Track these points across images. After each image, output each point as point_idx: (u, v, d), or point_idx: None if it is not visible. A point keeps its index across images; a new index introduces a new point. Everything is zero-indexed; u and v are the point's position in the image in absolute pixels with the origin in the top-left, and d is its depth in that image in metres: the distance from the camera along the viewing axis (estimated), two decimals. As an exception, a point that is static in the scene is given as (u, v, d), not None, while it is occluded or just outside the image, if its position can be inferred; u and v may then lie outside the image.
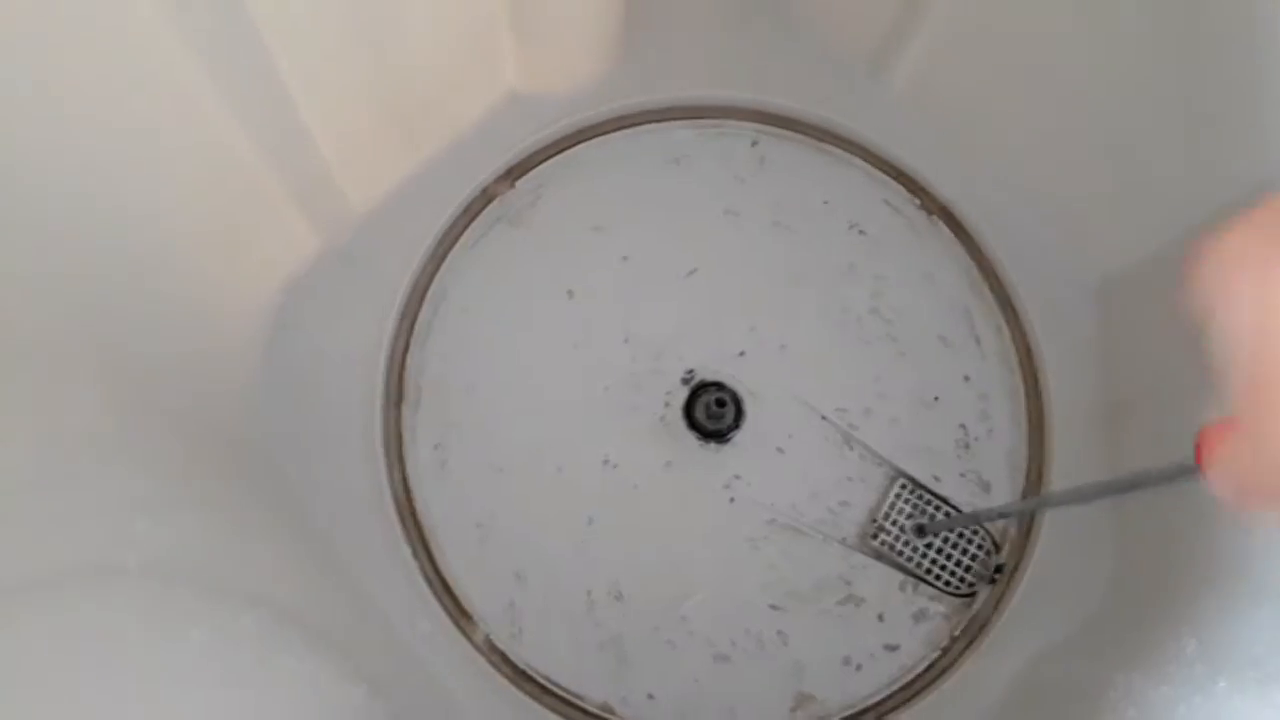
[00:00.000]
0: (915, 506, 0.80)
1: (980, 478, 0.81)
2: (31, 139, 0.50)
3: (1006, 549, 0.80)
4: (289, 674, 0.50)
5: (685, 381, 0.80)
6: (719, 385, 0.80)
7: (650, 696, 0.76)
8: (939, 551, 0.79)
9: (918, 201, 0.85)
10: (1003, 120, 0.80)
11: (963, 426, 0.81)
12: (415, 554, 0.75)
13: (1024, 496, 0.82)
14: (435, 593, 0.74)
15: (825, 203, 0.84)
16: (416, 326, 0.78)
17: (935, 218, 0.84)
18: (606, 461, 0.78)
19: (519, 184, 0.82)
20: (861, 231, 0.84)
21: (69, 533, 0.52)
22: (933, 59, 0.81)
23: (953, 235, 0.84)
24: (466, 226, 0.80)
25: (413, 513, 0.75)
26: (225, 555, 0.58)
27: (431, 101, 0.74)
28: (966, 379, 0.82)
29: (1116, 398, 0.80)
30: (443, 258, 0.80)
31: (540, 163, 0.82)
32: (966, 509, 0.80)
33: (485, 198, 0.81)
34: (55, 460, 0.55)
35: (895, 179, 0.85)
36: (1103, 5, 0.65)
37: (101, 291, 0.59)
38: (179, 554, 0.57)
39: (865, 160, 0.85)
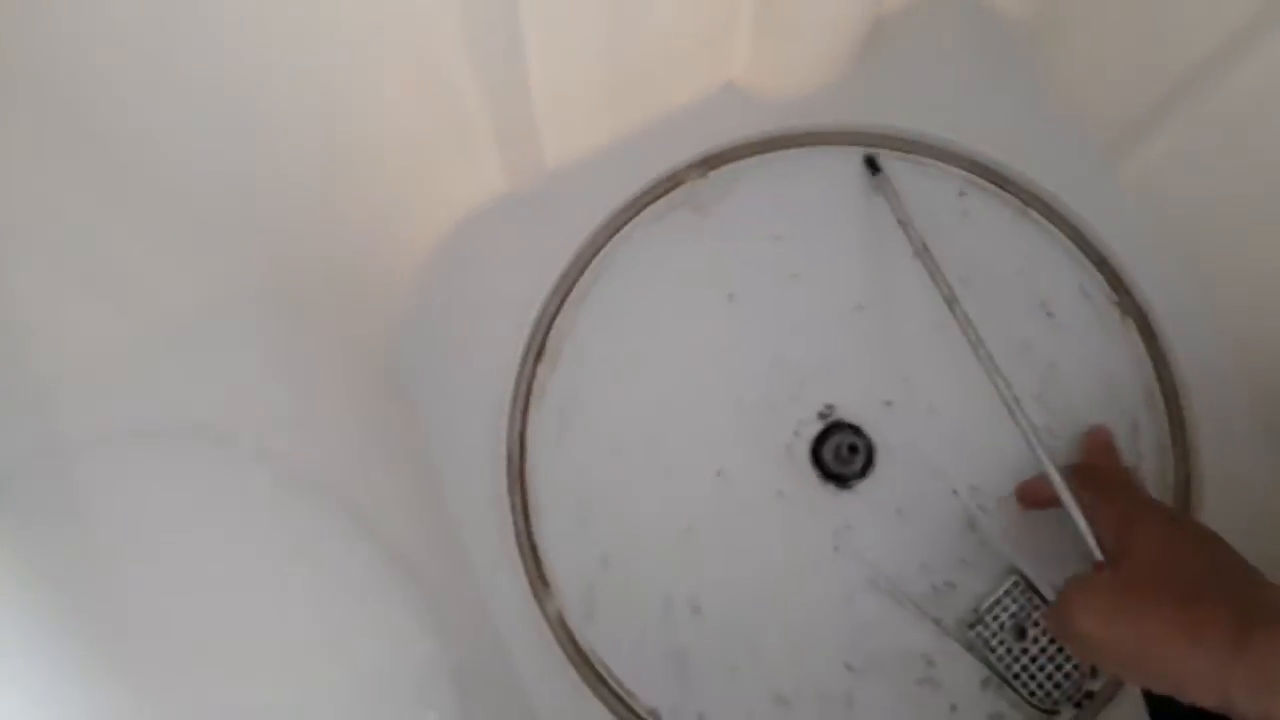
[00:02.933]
0: (1022, 608, 0.76)
1: (1098, 598, 0.76)
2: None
3: (1103, 676, 0.76)
4: (375, 616, 0.50)
5: (822, 416, 0.77)
6: (856, 429, 0.77)
7: (700, 716, 0.75)
8: (1033, 659, 0.75)
9: (1115, 297, 0.79)
10: (1226, 239, 0.74)
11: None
12: (514, 510, 0.75)
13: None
14: (522, 553, 0.74)
15: (1019, 272, 0.80)
16: (575, 289, 0.77)
17: (1129, 318, 0.79)
18: (720, 472, 0.77)
19: (713, 175, 0.80)
20: (1049, 312, 0.79)
21: (194, 392, 0.54)
22: (1172, 161, 0.75)
23: (1141, 341, 0.79)
24: (650, 203, 0.79)
25: (522, 471, 0.75)
26: (341, 470, 0.59)
27: (653, 74, 0.72)
28: (1114, 494, 0.77)
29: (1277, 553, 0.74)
30: (618, 228, 0.78)
31: (739, 158, 0.80)
32: (1075, 626, 0.76)
33: (675, 180, 0.79)
34: (204, 323, 0.56)
35: (1098, 267, 0.80)
36: None
37: (286, 174, 0.60)
38: (299, 455, 0.58)
39: (1071, 239, 0.80)
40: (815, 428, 0.77)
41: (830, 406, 0.78)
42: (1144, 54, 0.73)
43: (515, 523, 0.75)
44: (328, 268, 0.66)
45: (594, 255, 0.78)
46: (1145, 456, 0.78)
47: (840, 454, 0.76)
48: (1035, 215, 0.81)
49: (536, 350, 0.77)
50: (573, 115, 0.72)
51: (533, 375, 0.77)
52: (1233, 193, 0.71)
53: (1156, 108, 0.74)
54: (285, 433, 0.57)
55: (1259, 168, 0.68)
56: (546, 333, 0.77)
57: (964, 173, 0.81)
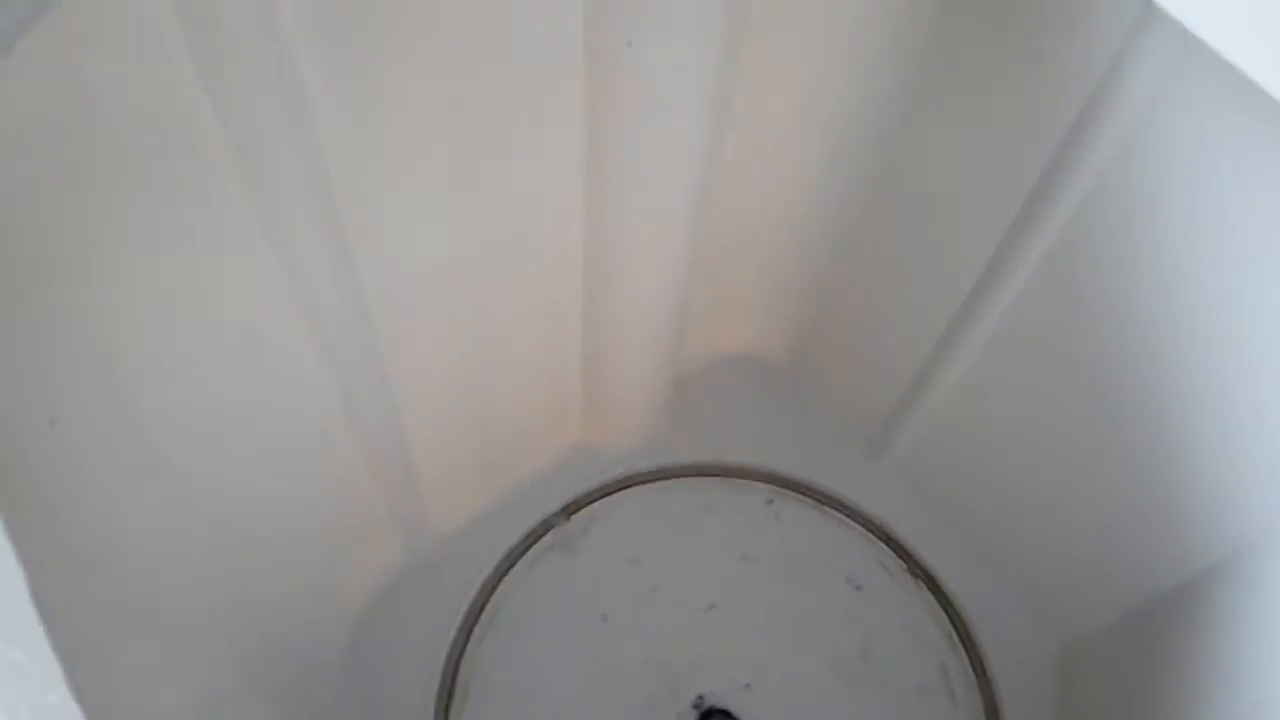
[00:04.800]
0: (892, 846, 0.89)
1: (952, 824, 0.90)
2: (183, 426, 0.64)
3: None
4: None
5: (695, 707, 0.92)
6: (725, 713, 0.91)
7: None
8: None
9: (905, 565, 1.00)
10: (980, 501, 0.97)
11: (937, 773, 0.92)
12: (444, 844, 0.84)
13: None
14: None
15: (828, 558, 1.00)
16: (473, 635, 0.92)
17: (920, 581, 0.99)
18: (621, 775, 0.89)
19: (574, 518, 0.98)
20: (858, 587, 0.98)
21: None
22: (916, 446, 0.98)
23: (934, 598, 0.99)
24: (526, 550, 0.96)
25: (450, 806, 0.85)
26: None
27: (511, 447, 0.92)
28: (942, 728, 0.94)
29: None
30: (502, 575, 0.94)
31: (593, 501, 0.99)
32: None
33: (544, 527, 0.97)
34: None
35: (886, 544, 1.01)
36: (1072, 408, 0.81)
37: (236, 571, 0.73)
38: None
39: (863, 526, 1.01)
40: (691, 717, 0.91)
41: (701, 697, 0.92)
42: (878, 373, 0.98)
43: None
44: (272, 639, 0.78)
45: (485, 602, 0.93)
46: (956, 692, 0.95)
47: (716, 737, 0.90)
48: (831, 510, 1.02)
49: (448, 691, 0.89)
50: (452, 488, 0.90)
51: (446, 715, 0.88)
52: (966, 461, 0.94)
53: (896, 411, 0.98)
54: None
55: (979, 437, 0.91)
56: (454, 676, 0.90)
57: (769, 485, 1.03)
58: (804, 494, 1.02)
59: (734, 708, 0.92)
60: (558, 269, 0.74)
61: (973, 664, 0.96)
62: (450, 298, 0.68)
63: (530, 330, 0.79)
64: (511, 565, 0.95)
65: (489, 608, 0.93)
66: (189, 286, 0.54)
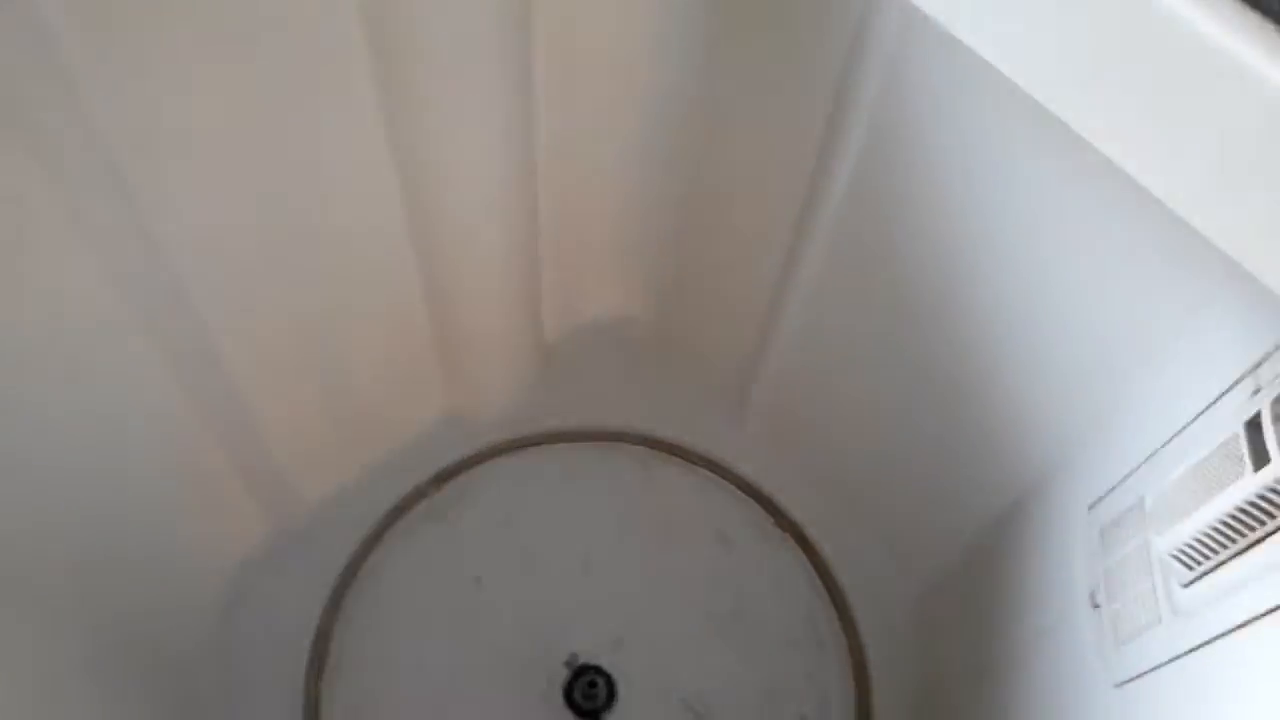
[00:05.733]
0: (759, 788, 0.92)
1: (818, 765, 0.94)
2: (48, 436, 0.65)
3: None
4: None
5: (568, 664, 0.94)
6: (597, 669, 0.94)
7: None
8: (779, 832, 0.91)
9: (773, 520, 1.03)
10: (835, 451, 1.00)
11: (803, 717, 0.95)
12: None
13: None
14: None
15: (699, 517, 1.02)
16: (343, 605, 0.93)
17: (787, 535, 1.02)
18: (494, 732, 0.91)
19: (446, 486, 0.99)
20: (728, 544, 1.01)
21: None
22: (777, 399, 1.01)
23: (801, 551, 1.02)
24: (397, 519, 0.97)
25: (319, 774, 0.87)
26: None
27: (375, 418, 0.93)
28: (809, 676, 0.97)
29: (932, 692, 0.95)
30: (374, 543, 0.96)
31: (466, 469, 1.00)
32: (804, 793, 0.93)
33: (416, 495, 0.98)
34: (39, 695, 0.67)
35: (756, 501, 1.04)
36: (891, 351, 0.83)
37: (85, 557, 0.74)
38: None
39: (733, 484, 1.04)
40: (564, 674, 0.94)
41: (573, 654, 0.95)
42: (731, 327, 1.00)
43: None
44: (134, 618, 0.79)
45: (356, 572, 0.94)
46: (825, 641, 0.98)
47: (586, 692, 0.92)
48: (703, 471, 1.05)
49: (318, 664, 0.91)
50: (317, 459, 0.90)
51: (317, 688, 0.90)
52: (818, 411, 0.97)
53: (750, 364, 1.00)
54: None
55: (824, 386, 0.94)
56: (325, 648, 0.91)
57: (643, 448, 1.05)
58: (675, 454, 1.05)
59: (606, 665, 0.94)
60: (383, 244, 0.75)
61: (839, 613, 1.00)
62: (272, 271, 0.69)
63: (371, 305, 0.80)
64: (382, 535, 0.96)
65: (360, 577, 0.94)
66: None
